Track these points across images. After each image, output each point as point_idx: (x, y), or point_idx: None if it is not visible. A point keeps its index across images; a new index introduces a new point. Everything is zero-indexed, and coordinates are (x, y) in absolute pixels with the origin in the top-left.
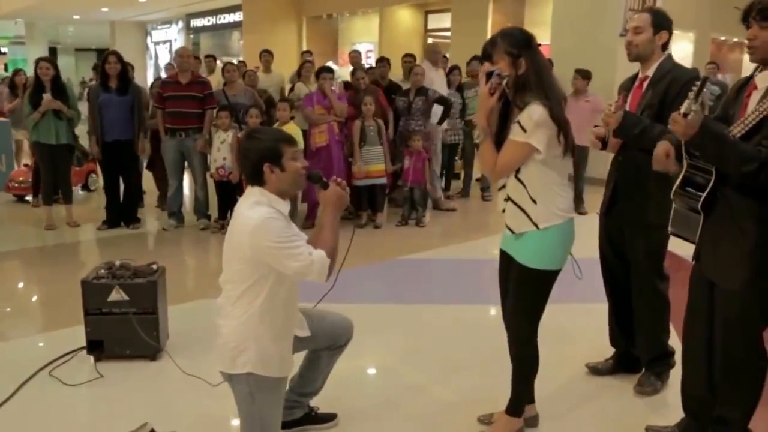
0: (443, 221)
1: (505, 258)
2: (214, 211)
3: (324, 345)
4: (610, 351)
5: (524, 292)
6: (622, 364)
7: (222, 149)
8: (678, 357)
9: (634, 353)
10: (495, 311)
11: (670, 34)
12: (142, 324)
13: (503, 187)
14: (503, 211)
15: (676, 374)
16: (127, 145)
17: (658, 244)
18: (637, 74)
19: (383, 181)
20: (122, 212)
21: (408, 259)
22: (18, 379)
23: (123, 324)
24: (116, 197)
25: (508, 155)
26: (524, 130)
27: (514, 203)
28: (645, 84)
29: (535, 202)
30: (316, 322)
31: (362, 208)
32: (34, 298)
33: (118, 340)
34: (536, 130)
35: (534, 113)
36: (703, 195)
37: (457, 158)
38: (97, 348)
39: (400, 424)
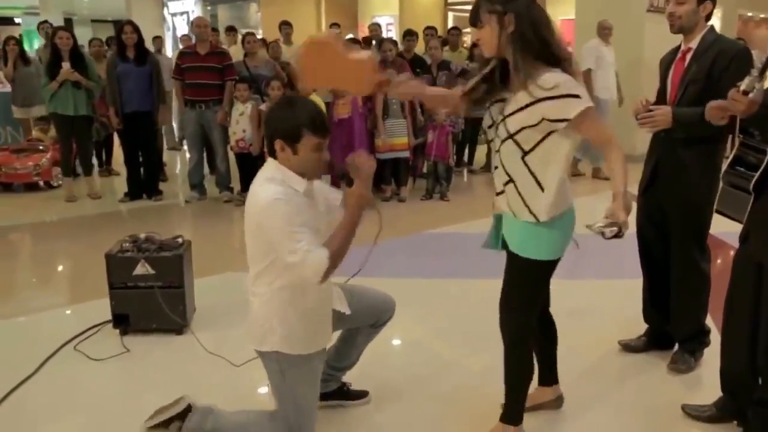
0: (467, 195)
1: None
2: (236, 183)
3: (366, 323)
4: (642, 328)
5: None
6: (654, 341)
7: (241, 121)
8: (713, 336)
9: (667, 330)
10: None
11: (714, 4)
12: (168, 298)
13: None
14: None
15: (709, 352)
16: (147, 116)
17: (701, 222)
18: (678, 47)
19: (406, 154)
20: (143, 184)
21: (433, 233)
22: (42, 353)
23: (148, 298)
24: (137, 169)
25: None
26: (578, 97)
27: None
28: (688, 57)
29: (543, 189)
30: (356, 299)
31: (386, 181)
32: (56, 271)
33: (143, 314)
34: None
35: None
36: (756, 175)
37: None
38: (122, 322)
39: (430, 402)
